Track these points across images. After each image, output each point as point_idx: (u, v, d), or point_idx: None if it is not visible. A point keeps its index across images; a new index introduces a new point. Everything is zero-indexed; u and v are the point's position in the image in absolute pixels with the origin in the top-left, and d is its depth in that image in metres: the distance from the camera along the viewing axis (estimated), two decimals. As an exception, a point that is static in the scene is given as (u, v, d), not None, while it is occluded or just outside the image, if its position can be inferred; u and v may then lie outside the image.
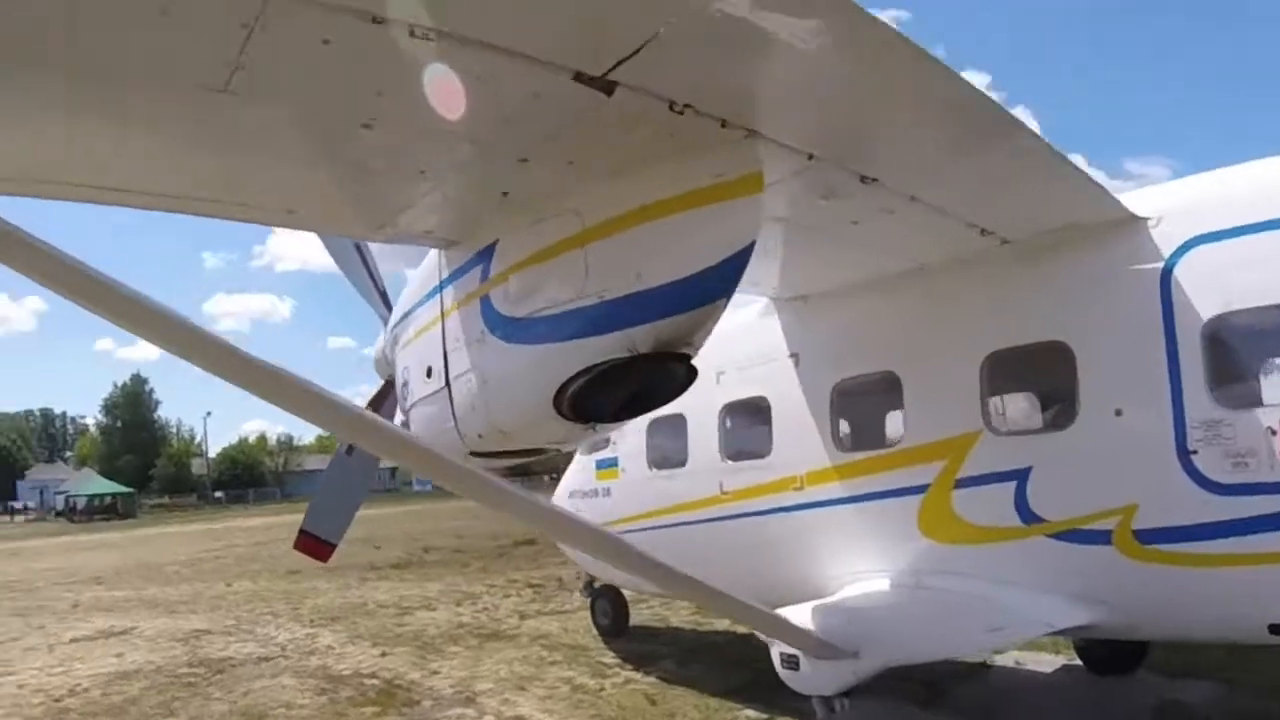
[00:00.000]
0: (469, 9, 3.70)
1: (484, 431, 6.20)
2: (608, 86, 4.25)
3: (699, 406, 9.95)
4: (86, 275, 4.44)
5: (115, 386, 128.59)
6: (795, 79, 4.57)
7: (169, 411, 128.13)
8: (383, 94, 4.29)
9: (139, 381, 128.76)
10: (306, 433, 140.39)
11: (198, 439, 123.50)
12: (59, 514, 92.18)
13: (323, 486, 10.44)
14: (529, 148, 4.98)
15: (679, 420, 10.47)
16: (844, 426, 8.87)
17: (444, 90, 4.20)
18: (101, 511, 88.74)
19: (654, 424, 10.90)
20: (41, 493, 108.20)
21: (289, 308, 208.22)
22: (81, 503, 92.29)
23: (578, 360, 5.37)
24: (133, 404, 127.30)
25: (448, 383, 6.46)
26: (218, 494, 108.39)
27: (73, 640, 17.65)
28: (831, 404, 8.71)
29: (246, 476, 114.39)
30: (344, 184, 5.56)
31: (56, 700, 12.59)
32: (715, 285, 5.13)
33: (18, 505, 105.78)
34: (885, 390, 8.28)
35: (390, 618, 17.85)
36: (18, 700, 12.76)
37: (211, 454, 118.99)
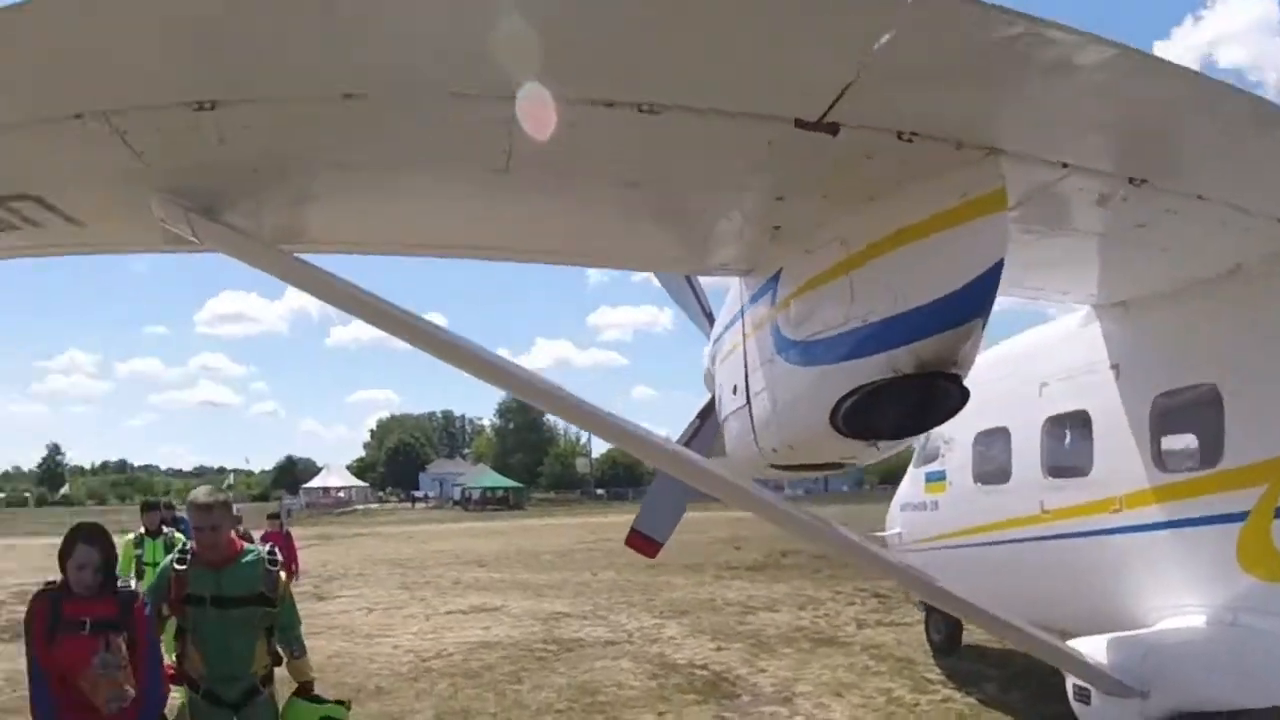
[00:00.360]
0: (677, 84, 4.43)
1: (777, 446, 6.92)
2: (830, 128, 4.70)
3: (1022, 420, 10.04)
4: (424, 329, 5.94)
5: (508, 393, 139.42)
6: (1014, 100, 4.81)
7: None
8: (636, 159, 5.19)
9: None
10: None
11: (583, 441, 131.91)
12: (455, 503, 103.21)
13: (653, 489, 11.53)
14: (781, 187, 5.63)
15: (1003, 434, 10.55)
16: (1164, 444, 8.54)
17: (683, 150, 5.02)
18: (493, 503, 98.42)
19: (980, 437, 11.07)
20: (441, 484, 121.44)
21: (668, 318, 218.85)
22: (476, 494, 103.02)
23: (847, 381, 5.83)
24: (524, 408, 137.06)
25: (748, 400, 7.22)
26: (599, 491, 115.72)
27: (448, 613, 20.53)
28: (1151, 419, 8.43)
29: (626, 476, 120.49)
30: (629, 231, 6.59)
31: (423, 660, 14.97)
32: (968, 305, 5.31)
33: (419, 494, 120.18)
34: (1206, 405, 7.93)
35: (734, 615, 19.08)
36: (391, 658, 15.31)
37: (595, 455, 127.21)
